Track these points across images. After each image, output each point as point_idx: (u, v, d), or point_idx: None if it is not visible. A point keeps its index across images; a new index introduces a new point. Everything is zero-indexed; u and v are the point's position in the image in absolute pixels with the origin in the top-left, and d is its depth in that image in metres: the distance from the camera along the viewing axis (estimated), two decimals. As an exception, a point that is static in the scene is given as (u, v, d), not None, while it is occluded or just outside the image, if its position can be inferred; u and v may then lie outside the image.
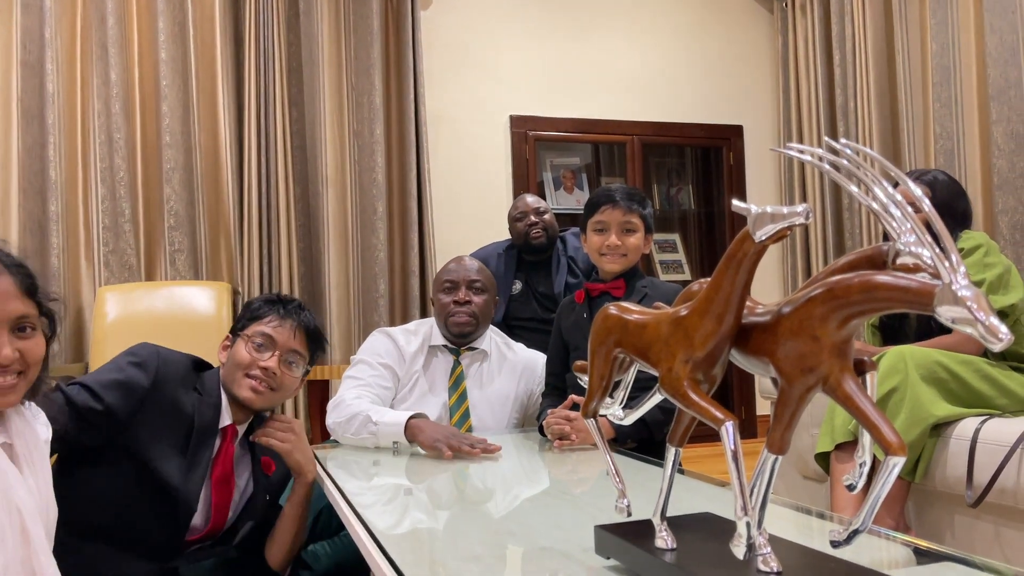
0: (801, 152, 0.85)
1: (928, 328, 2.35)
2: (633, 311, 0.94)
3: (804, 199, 4.64)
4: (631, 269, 2.15)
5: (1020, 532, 2.02)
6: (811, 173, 4.58)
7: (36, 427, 1.33)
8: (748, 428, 4.64)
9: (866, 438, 0.82)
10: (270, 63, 3.89)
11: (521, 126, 4.39)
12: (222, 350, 1.84)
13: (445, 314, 2.27)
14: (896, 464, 0.72)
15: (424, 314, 4.04)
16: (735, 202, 0.80)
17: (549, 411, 2.08)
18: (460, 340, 2.30)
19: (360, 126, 4.05)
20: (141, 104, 3.76)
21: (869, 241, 4.18)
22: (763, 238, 0.78)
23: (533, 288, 3.19)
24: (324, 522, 2.15)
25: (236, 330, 1.81)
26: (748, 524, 0.78)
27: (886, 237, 2.46)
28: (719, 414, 0.80)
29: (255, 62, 3.85)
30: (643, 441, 1.97)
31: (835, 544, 0.78)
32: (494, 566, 1.05)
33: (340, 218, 4.01)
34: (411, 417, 1.96)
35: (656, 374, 0.89)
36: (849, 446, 2.30)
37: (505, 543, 1.18)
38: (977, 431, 2.09)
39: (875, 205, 0.76)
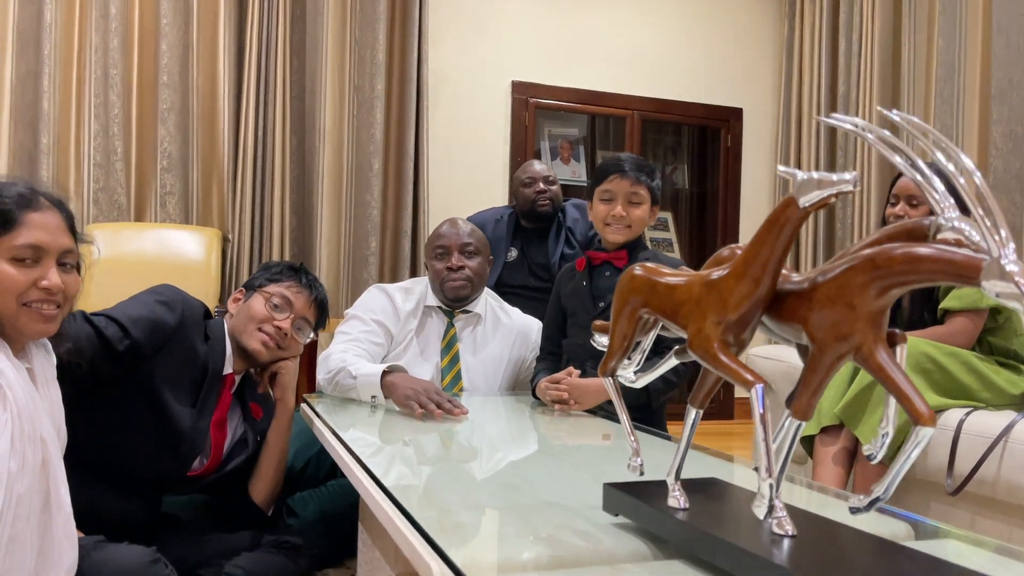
0: (843, 122, 0.85)
1: (921, 318, 2.38)
2: (664, 272, 0.94)
3: (798, 186, 4.65)
4: (635, 240, 2.15)
5: (995, 521, 2.06)
6: (808, 161, 4.59)
7: (48, 351, 1.33)
8: (725, 410, 4.68)
9: (891, 410, 0.83)
10: (273, 10, 3.82)
11: (523, 92, 4.36)
12: (233, 302, 1.90)
13: (440, 280, 2.25)
14: (926, 435, 0.73)
15: (414, 274, 4.03)
16: (780, 166, 0.80)
17: (543, 376, 2.09)
18: (456, 304, 2.30)
19: (361, 80, 4.00)
20: (140, 41, 3.69)
21: (861, 229, 4.21)
22: (807, 204, 0.78)
23: (528, 256, 3.18)
24: (312, 471, 2.16)
25: (252, 286, 1.88)
26: (771, 485, 0.79)
27: (885, 221, 2.46)
28: (749, 376, 0.81)
29: (258, 7, 3.79)
30: (639, 407, 1.98)
31: (854, 511, 0.80)
32: (501, 517, 1.06)
33: (335, 172, 3.97)
34: (387, 371, 1.95)
35: (683, 335, 0.89)
36: (834, 429, 2.33)
37: (509, 496, 1.19)
38: (961, 422, 2.13)
39: (919, 177, 0.76)
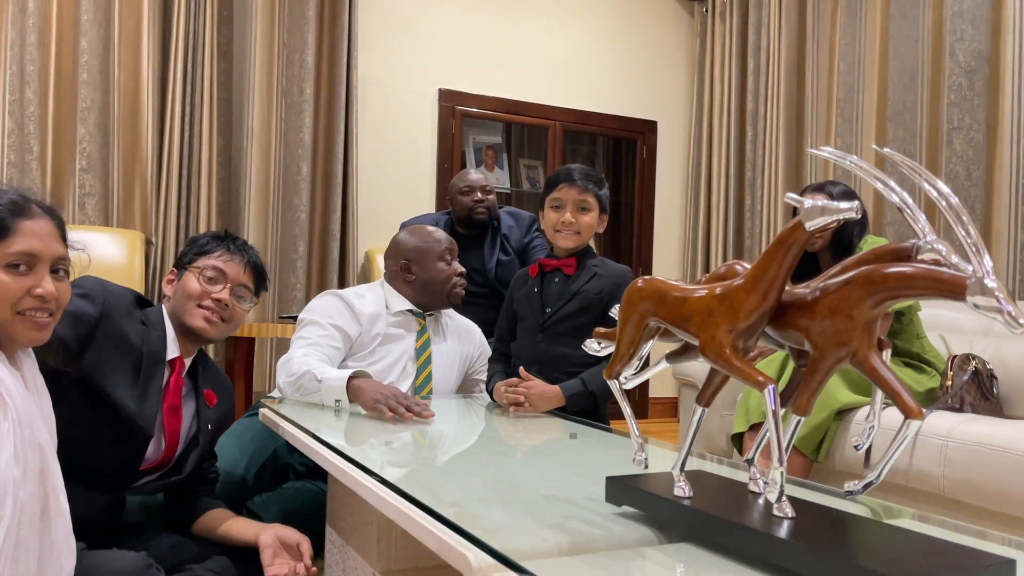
0: (836, 156, 0.97)
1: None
2: (671, 285, 1.04)
3: (709, 197, 4.90)
4: (584, 248, 2.26)
5: (906, 505, 2.28)
6: (718, 173, 4.84)
7: (33, 359, 1.33)
8: (641, 410, 4.88)
9: (877, 406, 0.96)
10: (200, 9, 3.78)
11: (450, 100, 4.43)
12: (167, 284, 1.89)
13: (450, 285, 2.33)
14: (914, 427, 0.86)
15: (342, 277, 4.05)
16: (788, 195, 0.92)
17: (498, 379, 2.18)
18: (435, 307, 2.38)
19: (289, 83, 3.99)
20: (58, 37, 3.58)
21: (769, 239, 4.47)
22: (812, 228, 0.89)
23: (464, 262, 3.25)
24: (268, 474, 2.18)
25: (183, 264, 1.86)
26: (782, 474, 0.91)
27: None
28: (761, 378, 0.92)
29: (184, 6, 3.73)
30: (587, 411, 2.09)
31: (850, 494, 0.92)
32: (510, 509, 1.14)
33: (263, 175, 3.95)
34: (353, 376, 1.99)
35: (693, 342, 1.00)
36: (762, 425, 2.51)
37: (508, 491, 1.27)
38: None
39: (904, 205, 0.89)
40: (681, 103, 5.10)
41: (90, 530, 1.60)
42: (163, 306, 1.84)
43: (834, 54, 4.15)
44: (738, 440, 2.56)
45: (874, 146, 0.95)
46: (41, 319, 1.28)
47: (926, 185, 0.86)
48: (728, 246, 4.74)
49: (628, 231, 5.07)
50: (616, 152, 5.30)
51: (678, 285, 1.04)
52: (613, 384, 1.13)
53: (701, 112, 4.98)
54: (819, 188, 2.72)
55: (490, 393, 2.20)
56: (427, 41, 4.41)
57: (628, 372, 1.16)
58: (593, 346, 1.28)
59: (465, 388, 2.51)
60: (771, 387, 0.91)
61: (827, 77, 4.22)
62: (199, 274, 1.81)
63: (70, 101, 3.60)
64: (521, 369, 2.11)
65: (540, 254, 3.32)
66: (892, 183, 0.92)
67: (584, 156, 5.27)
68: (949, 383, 2.42)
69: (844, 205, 0.88)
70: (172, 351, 1.79)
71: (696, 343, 1.00)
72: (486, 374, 2.49)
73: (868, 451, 2.34)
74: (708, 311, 0.97)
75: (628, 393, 1.13)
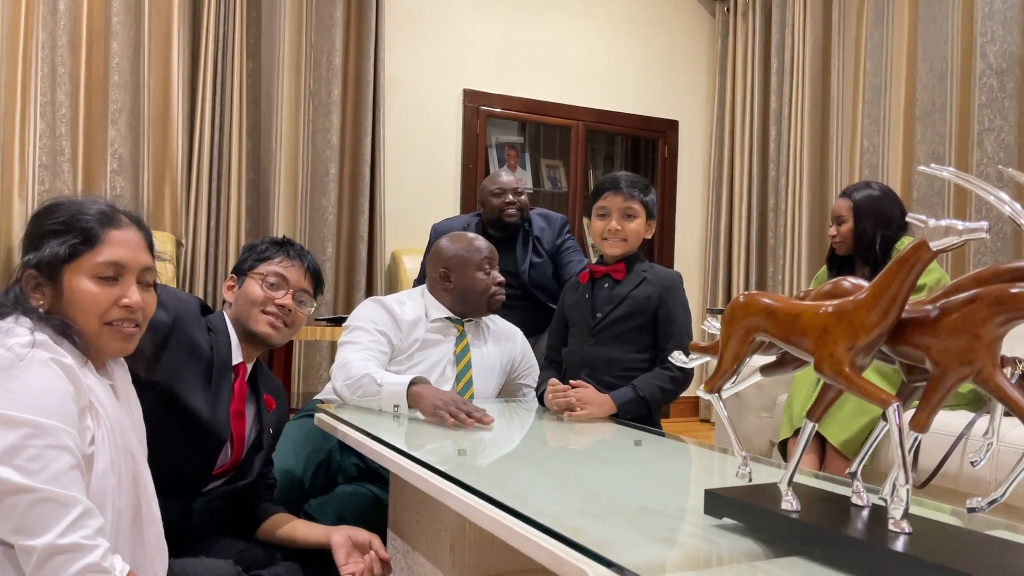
0: (942, 171, 0.98)
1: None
2: (779, 300, 1.05)
3: (731, 197, 4.90)
4: (633, 254, 2.27)
5: (958, 510, 2.29)
6: (740, 173, 4.84)
7: (124, 369, 1.34)
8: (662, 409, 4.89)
9: (996, 422, 0.97)
10: (229, 12, 3.78)
11: (474, 101, 4.44)
12: (227, 290, 1.91)
13: (488, 293, 2.33)
14: (1043, 445, 0.86)
15: (370, 279, 4.06)
16: (910, 215, 0.93)
17: (549, 384, 2.18)
18: (480, 315, 2.40)
19: (317, 85, 3.99)
20: (88, 39, 3.58)
21: (793, 240, 4.47)
22: (937, 248, 0.90)
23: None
24: (322, 475, 2.19)
25: (242, 270, 1.89)
26: (908, 491, 0.91)
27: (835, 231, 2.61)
28: (884, 396, 0.92)
29: (214, 9, 3.73)
30: (641, 418, 2.10)
31: (973, 510, 0.93)
32: (611, 522, 1.15)
33: (291, 177, 3.95)
34: (412, 382, 2.00)
35: (806, 358, 1.01)
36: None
37: (600, 503, 1.27)
38: (923, 421, 2.34)
39: (1021, 220, 0.90)
40: (702, 102, 5.11)
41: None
42: (225, 312, 1.86)
43: (860, 54, 4.15)
44: (784, 446, 2.57)
45: (1000, 167, 0.96)
46: (128, 329, 1.29)
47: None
48: (751, 246, 4.75)
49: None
50: (637, 152, 5.30)
51: (786, 300, 1.05)
52: (714, 398, 1.13)
53: (723, 111, 4.98)
54: (846, 194, 2.73)
55: (539, 398, 2.21)
56: (451, 42, 4.42)
57: (726, 383, 1.16)
58: (681, 358, 1.29)
59: (508, 392, 2.51)
60: (895, 405, 0.92)
61: (853, 77, 4.22)
62: (261, 280, 1.83)
63: (101, 103, 3.60)
64: (571, 382, 2.12)
65: (572, 256, 3.32)
66: (1004, 195, 0.93)
67: (605, 156, 5.28)
68: (996, 387, 2.42)
69: (972, 225, 0.89)
70: (236, 357, 1.81)
71: (810, 359, 1.00)
72: (531, 378, 2.50)
73: (916, 454, 2.35)
74: (824, 328, 0.98)
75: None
